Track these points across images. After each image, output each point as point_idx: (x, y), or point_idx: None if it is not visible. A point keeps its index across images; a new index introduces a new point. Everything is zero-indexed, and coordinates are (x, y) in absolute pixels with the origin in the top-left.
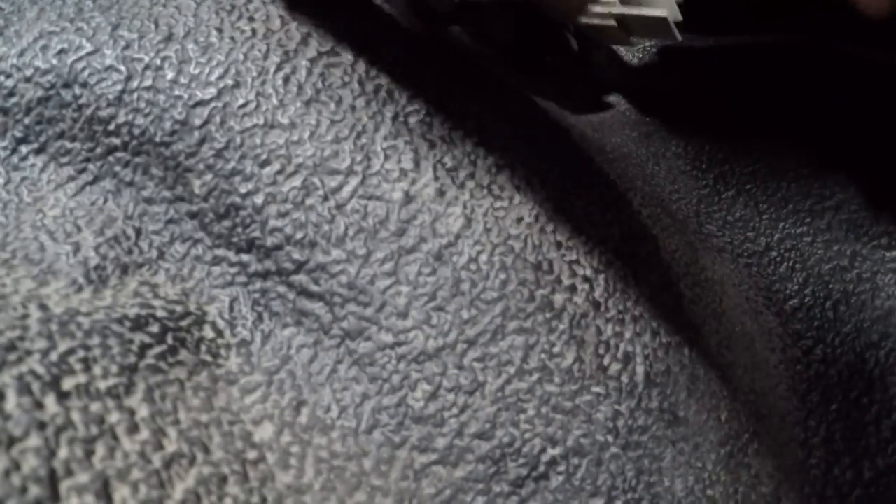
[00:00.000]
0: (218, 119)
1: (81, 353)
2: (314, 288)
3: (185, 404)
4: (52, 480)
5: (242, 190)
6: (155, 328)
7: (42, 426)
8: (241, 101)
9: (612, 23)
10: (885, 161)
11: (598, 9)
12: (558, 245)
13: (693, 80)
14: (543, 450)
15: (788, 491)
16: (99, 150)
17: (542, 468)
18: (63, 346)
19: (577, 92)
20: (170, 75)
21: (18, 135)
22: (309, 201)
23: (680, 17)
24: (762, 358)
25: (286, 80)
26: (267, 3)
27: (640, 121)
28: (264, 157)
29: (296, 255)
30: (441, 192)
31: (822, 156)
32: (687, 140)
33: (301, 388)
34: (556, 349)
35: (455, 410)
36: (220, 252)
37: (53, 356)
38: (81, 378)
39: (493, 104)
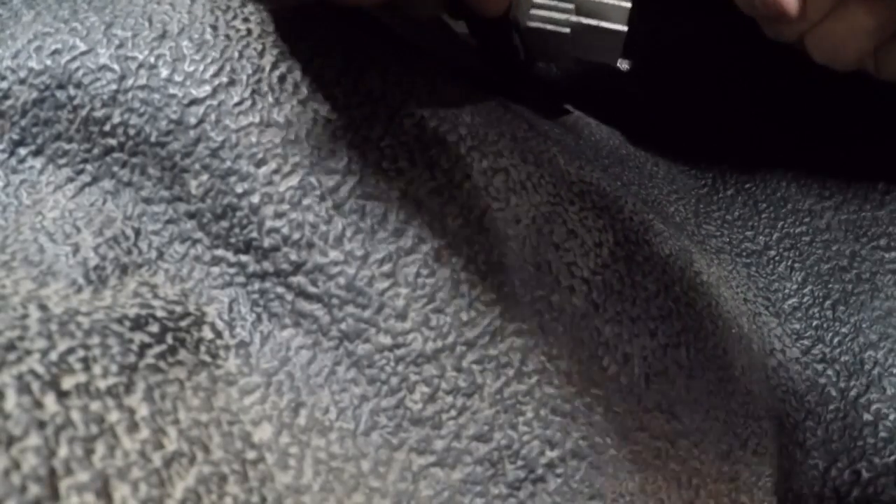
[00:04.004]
0: (213, 117)
1: (81, 353)
2: (312, 289)
3: (185, 404)
4: (52, 479)
5: (238, 190)
6: (154, 328)
7: (42, 425)
8: (236, 99)
9: (566, 30)
10: (885, 161)
11: (551, 14)
12: (556, 247)
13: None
14: (542, 452)
15: (787, 492)
16: (96, 151)
17: (539, 471)
18: (63, 345)
19: (539, 96)
20: (164, 73)
21: (16, 137)
22: (306, 201)
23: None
24: (759, 359)
25: (282, 78)
26: (261, 10)
27: (641, 121)
28: (260, 156)
29: (293, 256)
30: (439, 192)
31: (822, 155)
32: (686, 139)
33: (300, 389)
34: (554, 351)
35: (453, 413)
36: (219, 252)
37: (53, 356)
38: (81, 377)
39: (486, 110)
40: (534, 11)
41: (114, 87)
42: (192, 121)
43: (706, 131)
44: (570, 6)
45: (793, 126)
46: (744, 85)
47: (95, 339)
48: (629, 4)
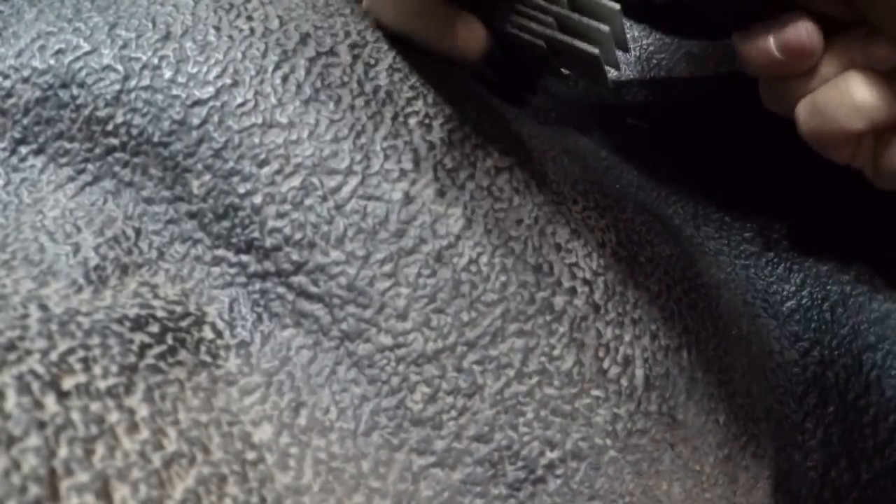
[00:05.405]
0: (216, 118)
1: (81, 353)
2: (313, 289)
3: (185, 404)
4: (52, 480)
5: (241, 190)
6: (155, 328)
7: (42, 426)
8: (239, 101)
9: (541, 43)
10: None
11: (530, 24)
12: (558, 248)
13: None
14: (542, 453)
15: (786, 493)
16: (98, 151)
17: (540, 471)
18: (63, 345)
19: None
20: (167, 74)
21: (17, 136)
22: (308, 202)
23: (618, 68)
24: (759, 361)
25: (285, 78)
26: (265, 4)
27: (638, 123)
28: (263, 156)
29: (295, 256)
30: (441, 193)
31: (819, 155)
32: (684, 139)
33: (300, 389)
34: (555, 352)
35: (454, 413)
36: (220, 252)
37: (53, 356)
38: (81, 378)
39: (490, 109)
40: (514, 18)
41: (117, 87)
42: (195, 121)
43: (705, 130)
44: (552, 18)
45: (790, 126)
46: (743, 88)
47: (95, 340)
48: (608, 29)
